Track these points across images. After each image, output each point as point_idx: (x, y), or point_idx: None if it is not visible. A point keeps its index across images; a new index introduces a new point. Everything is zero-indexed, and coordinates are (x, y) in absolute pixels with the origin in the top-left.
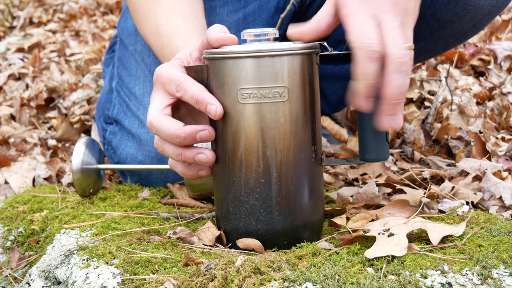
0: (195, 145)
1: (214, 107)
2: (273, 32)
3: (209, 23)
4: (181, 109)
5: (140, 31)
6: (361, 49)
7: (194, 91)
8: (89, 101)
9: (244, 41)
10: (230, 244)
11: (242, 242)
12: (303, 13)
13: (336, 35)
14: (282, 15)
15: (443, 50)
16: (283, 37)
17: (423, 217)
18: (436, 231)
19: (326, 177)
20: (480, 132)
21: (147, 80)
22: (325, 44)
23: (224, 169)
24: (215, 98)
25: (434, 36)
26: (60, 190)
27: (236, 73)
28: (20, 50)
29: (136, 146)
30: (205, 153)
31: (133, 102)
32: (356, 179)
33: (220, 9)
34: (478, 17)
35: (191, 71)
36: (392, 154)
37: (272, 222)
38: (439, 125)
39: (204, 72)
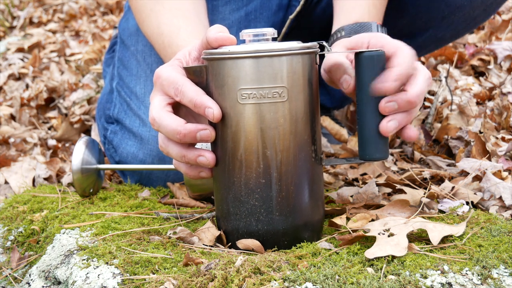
0: (197, 145)
1: (211, 111)
2: (272, 32)
3: (212, 22)
4: (181, 109)
5: (142, 31)
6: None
7: (192, 95)
8: (89, 101)
9: (243, 41)
10: (230, 244)
11: (242, 243)
12: (309, 12)
13: None
14: (291, 16)
15: (452, 38)
16: (287, 36)
17: (423, 217)
18: (436, 231)
19: (326, 177)
20: (480, 132)
21: (149, 80)
22: (325, 44)
23: (224, 169)
24: (213, 101)
25: (444, 22)
26: (60, 190)
27: (235, 74)
28: (20, 50)
29: (137, 145)
30: (205, 156)
31: (134, 102)
32: (356, 179)
33: (222, 7)
34: (489, 1)
35: (189, 72)
36: (392, 154)
37: (272, 222)
38: (439, 125)
39: (203, 72)
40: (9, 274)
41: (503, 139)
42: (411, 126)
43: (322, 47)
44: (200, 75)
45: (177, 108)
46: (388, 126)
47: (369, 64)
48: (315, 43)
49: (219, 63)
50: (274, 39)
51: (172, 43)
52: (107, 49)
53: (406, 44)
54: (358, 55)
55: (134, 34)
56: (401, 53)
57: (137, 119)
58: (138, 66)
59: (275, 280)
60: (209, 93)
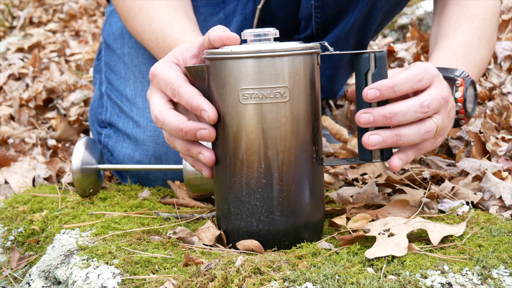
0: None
1: (206, 114)
2: (273, 32)
3: None
4: (178, 104)
5: (131, 30)
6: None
7: (188, 97)
8: (86, 102)
9: (245, 41)
10: (231, 245)
11: (242, 244)
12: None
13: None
14: (259, 6)
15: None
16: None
17: (423, 217)
18: (436, 231)
19: (326, 177)
20: (480, 132)
21: (138, 81)
22: (326, 44)
23: (225, 169)
24: (209, 103)
25: None
26: (60, 188)
27: (237, 74)
28: (20, 50)
29: (132, 146)
30: (204, 155)
31: (125, 104)
32: (356, 179)
33: (203, 9)
34: None
35: (191, 71)
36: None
37: (273, 222)
38: None
39: (205, 72)
40: (9, 274)
41: (503, 139)
42: (397, 156)
43: (324, 48)
44: (201, 74)
45: (175, 104)
46: (369, 139)
47: (368, 65)
48: (317, 44)
49: (221, 63)
50: (275, 39)
51: (166, 37)
52: (96, 55)
53: (430, 64)
54: (357, 56)
55: (119, 38)
56: (408, 68)
57: (130, 121)
58: (126, 68)
59: (275, 280)
60: (210, 92)
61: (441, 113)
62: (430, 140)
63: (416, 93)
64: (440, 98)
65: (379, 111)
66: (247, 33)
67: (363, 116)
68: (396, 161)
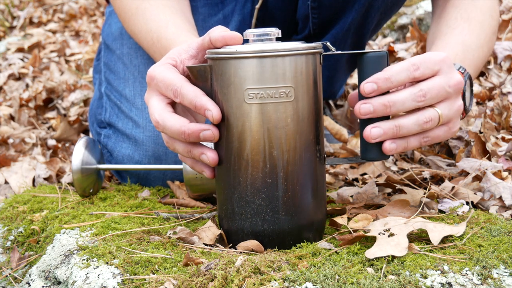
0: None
1: (211, 113)
2: (276, 32)
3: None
4: (177, 106)
5: (128, 30)
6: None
7: (192, 97)
8: (86, 102)
9: (246, 41)
10: (233, 244)
11: (242, 245)
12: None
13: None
14: (257, 6)
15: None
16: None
17: (423, 217)
18: (436, 231)
19: (326, 177)
20: (480, 132)
21: (137, 82)
22: (328, 44)
23: (229, 169)
24: (212, 103)
25: None
26: (60, 188)
27: (242, 74)
28: (20, 50)
29: (132, 147)
30: (207, 155)
31: (124, 104)
32: (356, 179)
33: (202, 9)
34: None
35: (193, 71)
36: (392, 154)
37: (278, 222)
38: None
39: (208, 72)
40: (9, 274)
41: (503, 139)
42: (391, 140)
43: (325, 48)
44: (204, 74)
45: (173, 105)
46: (371, 132)
47: (371, 64)
48: (319, 43)
49: (225, 62)
50: (277, 39)
51: (161, 38)
52: (96, 55)
53: (435, 52)
54: (361, 55)
55: (119, 38)
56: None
57: (129, 122)
58: (125, 69)
59: (275, 280)
60: (213, 92)
61: (447, 101)
62: (441, 129)
63: (418, 82)
64: (444, 86)
65: (378, 101)
66: (249, 33)
67: (363, 107)
68: (388, 144)
